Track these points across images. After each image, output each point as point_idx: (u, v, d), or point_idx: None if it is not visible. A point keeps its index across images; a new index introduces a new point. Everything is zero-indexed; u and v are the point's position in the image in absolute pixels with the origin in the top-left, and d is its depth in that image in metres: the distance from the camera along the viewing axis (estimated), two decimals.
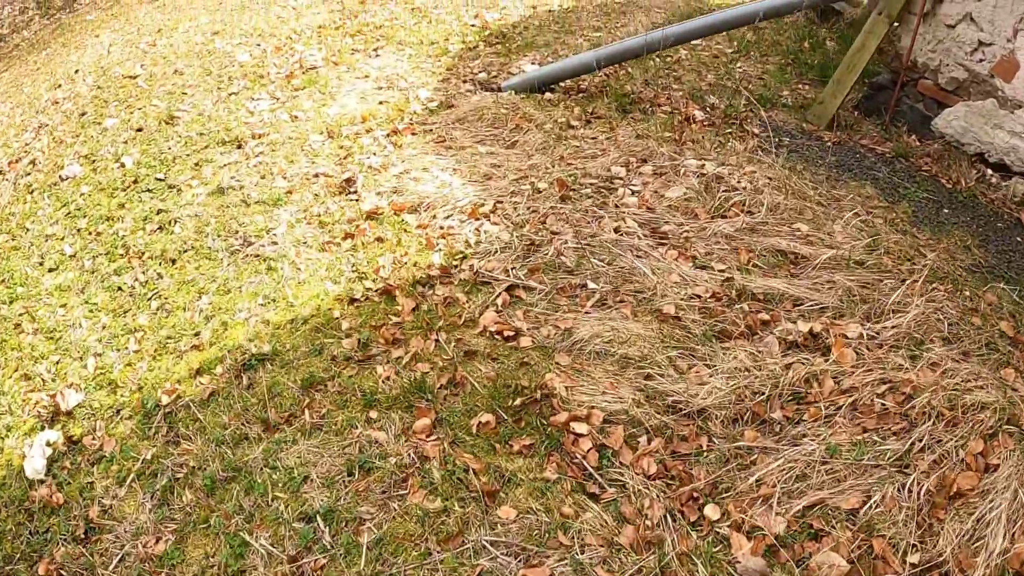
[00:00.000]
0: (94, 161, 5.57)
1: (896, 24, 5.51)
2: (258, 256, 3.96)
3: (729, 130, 5.10)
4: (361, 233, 3.91)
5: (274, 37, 7.38)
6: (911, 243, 4.06)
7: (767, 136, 5.15)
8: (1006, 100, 5.10)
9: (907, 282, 3.63)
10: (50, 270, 4.46)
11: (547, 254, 3.55)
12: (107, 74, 7.17)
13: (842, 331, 3.31)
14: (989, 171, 5.32)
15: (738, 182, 4.16)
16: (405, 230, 3.89)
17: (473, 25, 7.15)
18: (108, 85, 6.87)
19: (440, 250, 3.71)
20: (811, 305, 3.43)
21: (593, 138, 4.64)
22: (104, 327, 3.88)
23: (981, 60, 5.23)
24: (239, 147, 5.23)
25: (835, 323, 3.35)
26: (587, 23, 7.04)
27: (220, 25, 8.03)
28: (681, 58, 6.39)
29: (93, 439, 3.20)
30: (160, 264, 4.19)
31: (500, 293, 3.36)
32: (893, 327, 3.34)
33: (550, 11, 7.47)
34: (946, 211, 4.72)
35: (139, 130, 5.81)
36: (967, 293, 3.69)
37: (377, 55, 6.74)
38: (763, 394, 2.92)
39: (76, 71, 7.68)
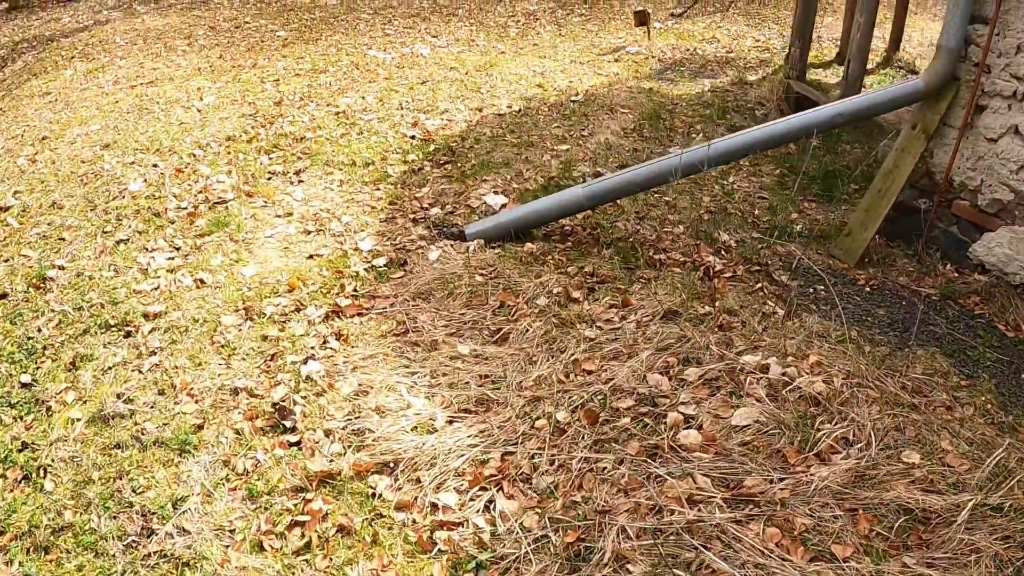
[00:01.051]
0: None
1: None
2: (165, 556, 2.69)
3: (758, 284, 4.13)
4: (315, 519, 2.68)
5: (174, 153, 6.08)
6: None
7: (800, 286, 4.22)
8: None
9: None
10: None
11: (603, 558, 2.42)
12: None
13: None
14: None
15: (811, 384, 3.16)
16: (379, 514, 2.68)
17: (413, 137, 6.01)
18: None
19: (441, 553, 2.52)
20: None
21: (607, 320, 3.56)
22: None
23: None
24: (128, 335, 3.95)
25: None
26: (547, 131, 6.00)
27: (112, 134, 6.65)
28: None
29: None
30: (28, 554, 2.86)
31: None
32: None
33: (499, 115, 6.40)
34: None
35: (3, 296, 4.46)
36: None
37: (300, 180, 5.54)
38: None
39: None
